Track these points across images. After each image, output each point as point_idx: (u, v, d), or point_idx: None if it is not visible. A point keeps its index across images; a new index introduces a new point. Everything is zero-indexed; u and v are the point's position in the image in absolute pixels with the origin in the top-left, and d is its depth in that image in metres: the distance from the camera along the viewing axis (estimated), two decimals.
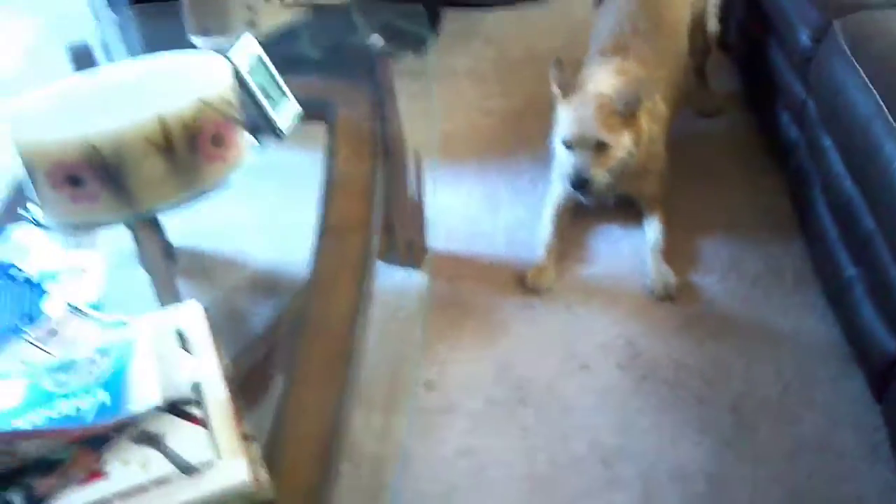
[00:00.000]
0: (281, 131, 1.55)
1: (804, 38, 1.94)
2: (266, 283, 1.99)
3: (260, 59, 1.54)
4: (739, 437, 1.71)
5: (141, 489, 0.97)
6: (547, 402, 1.81)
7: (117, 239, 1.39)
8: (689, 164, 2.30)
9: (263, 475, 1.02)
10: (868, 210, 1.66)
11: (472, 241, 2.21)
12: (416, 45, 2.09)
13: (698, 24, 2.42)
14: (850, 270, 1.75)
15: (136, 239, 1.38)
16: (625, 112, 1.98)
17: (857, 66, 1.69)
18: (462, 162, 2.43)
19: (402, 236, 2.05)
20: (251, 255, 2.12)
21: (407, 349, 1.86)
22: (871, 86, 1.63)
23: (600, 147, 1.98)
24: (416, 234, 2.13)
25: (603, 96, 1.99)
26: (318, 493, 1.08)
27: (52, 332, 1.17)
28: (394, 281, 1.99)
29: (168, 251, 1.47)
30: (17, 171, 1.37)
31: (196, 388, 1.06)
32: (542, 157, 2.28)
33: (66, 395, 1.02)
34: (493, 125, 2.62)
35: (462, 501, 1.66)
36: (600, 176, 2.00)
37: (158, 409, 1.02)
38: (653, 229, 2.13)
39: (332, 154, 1.67)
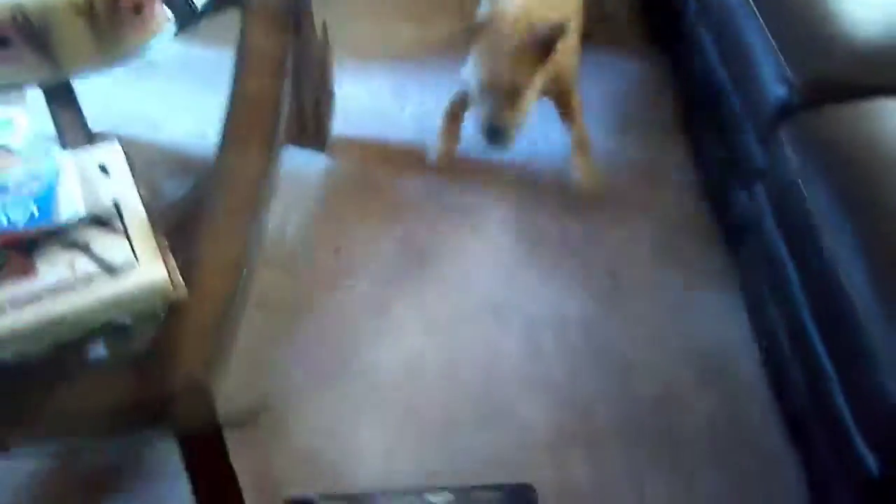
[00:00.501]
0: (196, 7, 1.66)
1: None
2: (181, 160, 2.14)
3: None
4: (613, 295, 1.94)
5: (68, 286, 1.12)
6: (446, 265, 2.00)
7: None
8: None
9: (178, 279, 1.17)
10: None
11: (380, 129, 2.35)
12: None
13: None
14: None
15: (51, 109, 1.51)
16: (540, 51, 1.88)
17: None
18: (370, 57, 2.55)
19: (311, 120, 2.19)
20: (168, 136, 2.25)
21: (313, 221, 2.04)
22: None
23: (514, 92, 1.89)
24: (325, 118, 2.27)
25: (511, 36, 1.88)
26: (227, 301, 1.23)
27: None
28: (302, 162, 2.15)
29: (86, 132, 1.54)
30: None
31: (116, 205, 1.21)
32: (449, 53, 2.41)
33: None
34: (401, 24, 2.74)
35: (364, 345, 1.85)
36: (513, 122, 1.92)
37: (83, 221, 1.17)
38: (574, 125, 2.11)
39: (244, 32, 1.78)
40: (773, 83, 1.69)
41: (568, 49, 2.00)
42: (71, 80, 1.55)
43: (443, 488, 1.49)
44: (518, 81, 1.88)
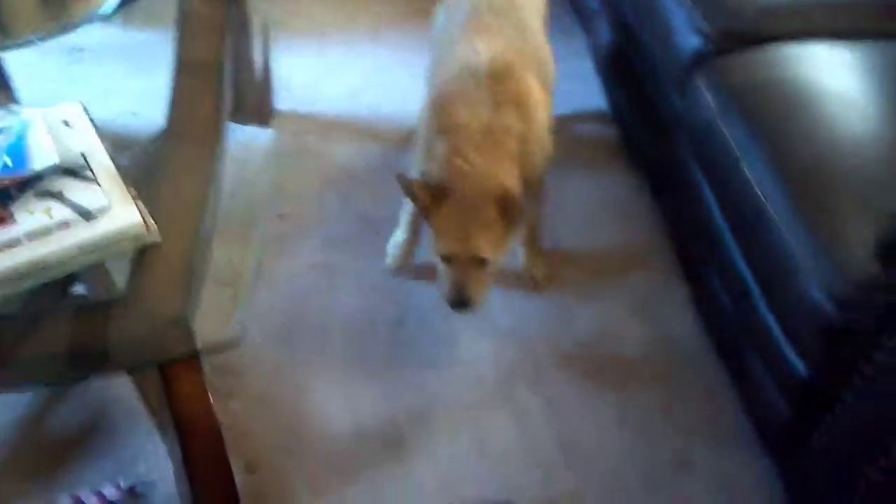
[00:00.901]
0: None
1: None
2: (114, 138, 2.15)
3: None
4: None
5: (46, 231, 1.16)
6: (389, 232, 2.07)
7: None
8: None
9: (151, 221, 1.22)
10: None
11: (316, 103, 2.42)
12: None
13: None
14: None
15: None
16: (513, 213, 1.66)
17: None
18: (304, 33, 2.62)
19: (251, 97, 2.24)
20: (99, 116, 2.26)
21: (258, 191, 2.09)
22: None
23: (482, 262, 1.68)
24: (265, 95, 2.33)
25: (478, 205, 1.64)
26: (195, 240, 1.28)
27: None
28: (245, 138, 2.19)
29: None
30: None
31: (84, 156, 1.25)
32: (380, 27, 2.51)
33: None
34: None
35: (312, 304, 1.92)
36: (482, 293, 1.72)
37: (55, 170, 1.21)
38: (532, 211, 1.92)
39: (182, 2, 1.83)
40: (688, 34, 1.83)
41: (540, 124, 1.79)
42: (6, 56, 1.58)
43: None
44: (487, 253, 1.66)
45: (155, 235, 1.22)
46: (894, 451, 1.28)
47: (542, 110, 1.79)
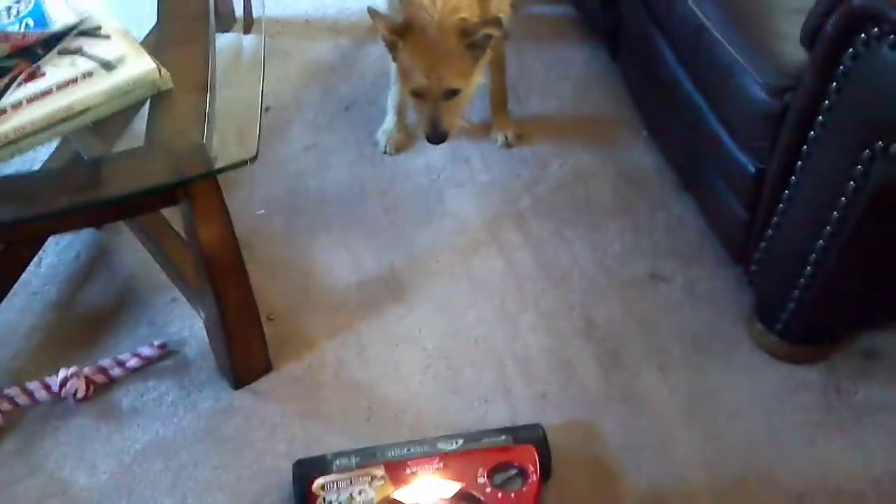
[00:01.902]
0: None
1: None
2: None
3: None
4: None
5: (72, 81, 1.32)
6: (370, 111, 2.24)
7: None
8: None
9: (164, 72, 1.38)
10: None
11: (286, 8, 2.57)
12: None
13: None
14: None
15: None
16: (475, 49, 1.77)
17: None
18: None
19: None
20: None
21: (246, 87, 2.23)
22: None
23: (452, 93, 1.79)
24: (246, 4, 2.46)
25: (447, 28, 1.73)
26: (205, 88, 1.44)
27: None
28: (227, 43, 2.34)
29: None
30: None
31: (96, 20, 1.40)
32: None
33: None
34: None
35: (308, 181, 2.09)
36: (456, 122, 1.85)
37: (73, 29, 1.36)
38: (494, 73, 2.09)
39: None
40: None
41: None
42: None
43: (453, 436, 1.55)
44: (456, 83, 1.78)
45: (168, 82, 1.38)
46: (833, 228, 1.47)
47: None
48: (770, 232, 1.65)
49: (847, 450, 1.58)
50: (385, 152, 2.15)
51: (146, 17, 1.62)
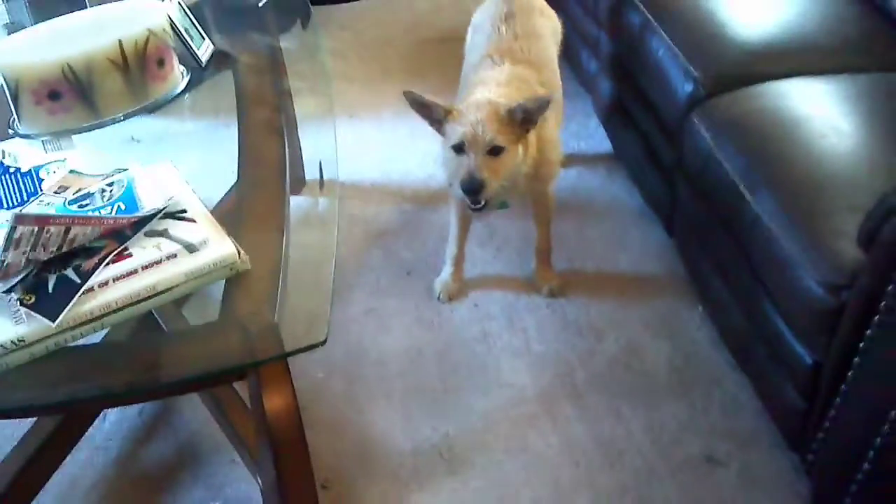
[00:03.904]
0: (201, 62, 1.98)
1: None
2: None
3: (182, 7, 1.97)
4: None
5: (158, 262, 1.39)
6: (429, 277, 2.30)
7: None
8: None
9: (244, 255, 1.46)
10: None
11: (354, 174, 2.70)
12: (303, 15, 2.47)
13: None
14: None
15: None
16: (521, 122, 1.88)
17: None
18: (338, 114, 2.90)
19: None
20: None
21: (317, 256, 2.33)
22: None
23: (495, 151, 1.85)
24: (296, 169, 2.59)
25: (495, 103, 1.89)
26: (278, 270, 1.51)
27: (63, 188, 1.56)
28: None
29: None
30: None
31: (181, 203, 1.49)
32: (405, 107, 2.77)
33: (91, 210, 1.44)
34: (356, 89, 3.13)
35: (368, 345, 2.15)
36: (494, 181, 1.86)
37: (160, 213, 1.45)
38: (540, 228, 2.24)
39: (238, 81, 2.09)
40: (682, 81, 2.08)
41: (550, 129, 2.06)
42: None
43: None
44: (500, 140, 1.85)
45: (246, 264, 1.45)
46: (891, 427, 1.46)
47: (553, 118, 2.08)
48: (827, 424, 1.64)
49: None
50: (439, 299, 2.25)
51: (229, 179, 1.74)
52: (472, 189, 1.84)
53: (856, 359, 1.52)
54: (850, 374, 1.55)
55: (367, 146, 2.82)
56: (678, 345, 2.11)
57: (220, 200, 1.78)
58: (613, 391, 2.00)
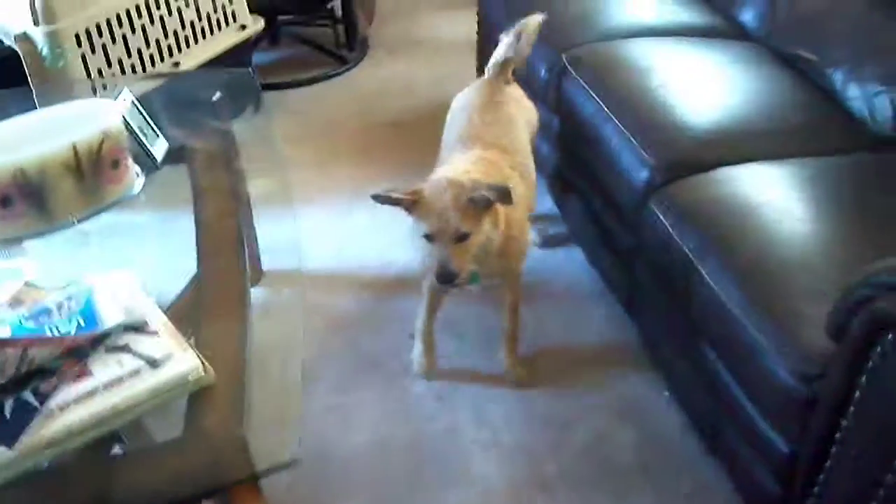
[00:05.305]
0: (156, 161, 1.94)
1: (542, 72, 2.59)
2: None
3: (135, 106, 1.94)
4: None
5: (119, 380, 1.33)
6: (392, 366, 2.27)
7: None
8: None
9: (208, 367, 1.41)
10: None
11: (308, 262, 2.66)
12: (254, 100, 2.43)
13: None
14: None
15: None
16: (484, 207, 1.93)
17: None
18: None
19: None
20: None
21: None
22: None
23: (462, 237, 1.92)
24: (253, 259, 2.54)
25: (457, 184, 1.93)
26: (242, 375, 1.46)
27: (17, 302, 1.50)
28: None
29: None
30: None
31: (142, 315, 1.44)
32: (358, 192, 2.78)
33: (49, 327, 1.38)
34: (308, 174, 3.11)
35: (332, 443, 2.09)
36: (466, 266, 1.94)
37: (121, 326, 1.40)
38: (509, 315, 2.27)
39: (194, 173, 2.05)
40: (638, 168, 2.11)
41: (520, 211, 2.11)
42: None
43: None
44: (465, 226, 1.90)
45: (211, 377, 1.40)
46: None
47: (524, 201, 2.15)
48: None
49: None
50: (418, 374, 2.28)
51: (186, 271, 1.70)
52: (446, 280, 1.93)
53: (833, 448, 1.52)
54: (827, 463, 1.54)
55: (320, 233, 2.79)
56: (646, 432, 2.09)
57: (179, 295, 1.73)
58: (584, 483, 1.97)
